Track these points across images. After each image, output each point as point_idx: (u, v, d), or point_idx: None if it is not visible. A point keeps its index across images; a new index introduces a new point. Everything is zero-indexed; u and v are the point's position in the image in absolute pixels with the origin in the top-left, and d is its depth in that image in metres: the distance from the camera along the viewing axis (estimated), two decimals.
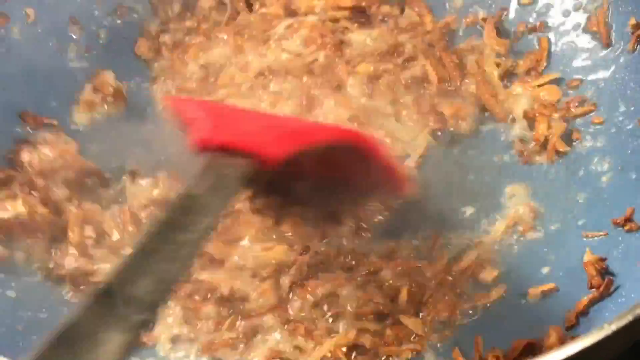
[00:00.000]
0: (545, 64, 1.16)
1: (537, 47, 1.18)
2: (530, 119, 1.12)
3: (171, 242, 0.73)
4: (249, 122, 0.94)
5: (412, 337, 0.95)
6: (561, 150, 1.08)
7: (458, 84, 1.16)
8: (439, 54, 1.18)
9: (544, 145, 1.09)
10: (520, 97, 1.14)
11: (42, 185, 1.05)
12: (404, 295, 0.97)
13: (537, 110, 1.12)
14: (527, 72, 1.16)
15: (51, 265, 1.01)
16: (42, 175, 1.06)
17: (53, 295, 1.00)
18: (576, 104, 1.11)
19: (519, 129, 1.12)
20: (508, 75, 1.17)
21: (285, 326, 0.95)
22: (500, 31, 1.20)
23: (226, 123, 0.90)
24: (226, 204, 0.81)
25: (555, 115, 1.11)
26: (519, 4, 1.21)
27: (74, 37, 1.22)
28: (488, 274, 1.00)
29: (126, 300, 0.66)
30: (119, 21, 1.25)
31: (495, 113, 1.14)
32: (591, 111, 1.10)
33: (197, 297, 0.98)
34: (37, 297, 0.98)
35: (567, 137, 1.09)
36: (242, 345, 0.95)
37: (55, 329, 0.61)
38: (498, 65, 1.17)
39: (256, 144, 0.85)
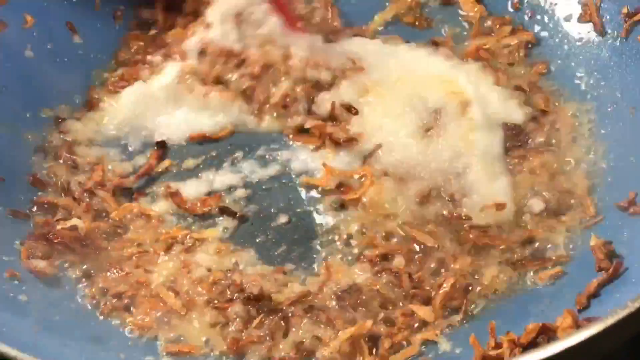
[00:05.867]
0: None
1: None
2: None
3: None
4: None
5: (425, 325, 0.96)
6: None
7: None
8: None
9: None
10: None
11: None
12: (406, 282, 0.98)
13: None
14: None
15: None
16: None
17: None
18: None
19: None
20: None
21: (308, 314, 0.96)
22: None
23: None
24: None
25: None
26: None
27: None
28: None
29: None
30: None
31: None
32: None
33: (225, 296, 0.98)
34: (48, 301, 0.97)
35: None
36: (267, 341, 0.95)
37: None
38: None
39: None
